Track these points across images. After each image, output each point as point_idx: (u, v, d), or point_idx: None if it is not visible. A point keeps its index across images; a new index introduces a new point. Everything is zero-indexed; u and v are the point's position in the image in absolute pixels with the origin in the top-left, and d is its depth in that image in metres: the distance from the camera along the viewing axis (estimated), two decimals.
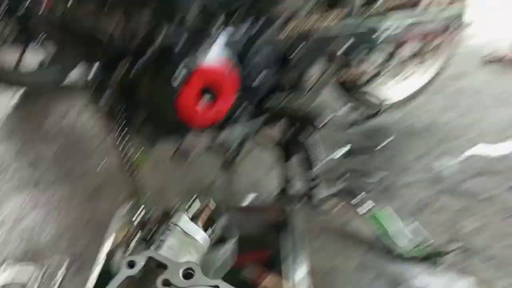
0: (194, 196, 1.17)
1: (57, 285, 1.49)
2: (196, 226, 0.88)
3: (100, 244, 1.50)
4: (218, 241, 1.28)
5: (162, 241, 0.91)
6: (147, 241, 1.21)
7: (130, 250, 1.12)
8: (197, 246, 0.87)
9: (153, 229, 1.17)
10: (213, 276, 0.86)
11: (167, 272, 0.69)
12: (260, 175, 1.92)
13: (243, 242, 1.36)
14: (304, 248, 1.46)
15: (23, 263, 1.57)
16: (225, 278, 1.34)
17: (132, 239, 1.22)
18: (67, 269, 1.54)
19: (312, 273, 1.43)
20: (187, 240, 0.85)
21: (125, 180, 1.39)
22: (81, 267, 1.54)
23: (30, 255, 1.61)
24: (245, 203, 1.66)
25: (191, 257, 0.83)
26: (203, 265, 0.89)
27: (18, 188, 1.90)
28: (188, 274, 0.70)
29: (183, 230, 0.86)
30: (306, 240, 1.50)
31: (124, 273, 0.73)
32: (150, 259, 0.77)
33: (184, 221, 0.87)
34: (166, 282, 0.68)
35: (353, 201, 1.69)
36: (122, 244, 1.24)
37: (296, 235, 1.52)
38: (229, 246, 1.27)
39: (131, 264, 0.77)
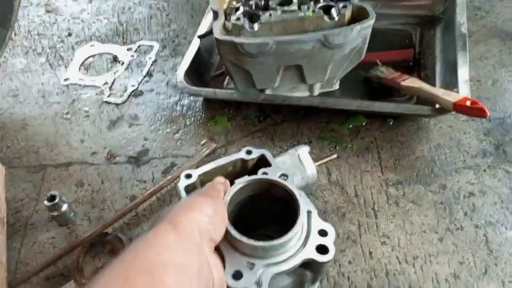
0: None
1: (149, 63, 1.27)
2: (312, 162, 0.80)
3: (197, 26, 1.24)
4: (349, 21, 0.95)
5: None
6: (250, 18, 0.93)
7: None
8: (304, 175, 0.79)
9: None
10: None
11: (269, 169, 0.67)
12: None
13: (382, 37, 1.01)
14: (464, 49, 1.06)
15: (112, 43, 1.35)
16: (351, 76, 1.04)
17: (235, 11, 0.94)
18: (159, 51, 1.29)
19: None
20: (299, 165, 0.79)
21: None
22: (175, 50, 1.30)
23: (119, 36, 1.38)
24: None
25: (295, 178, 0.76)
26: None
27: None
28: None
29: (299, 157, 0.80)
30: (466, 39, 1.08)
31: None
32: None
33: (304, 152, 0.81)
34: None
35: None
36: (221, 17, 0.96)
37: (456, 32, 1.11)
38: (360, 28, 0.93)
39: None
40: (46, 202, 0.87)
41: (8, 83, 1.26)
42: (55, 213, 0.88)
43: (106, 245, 0.79)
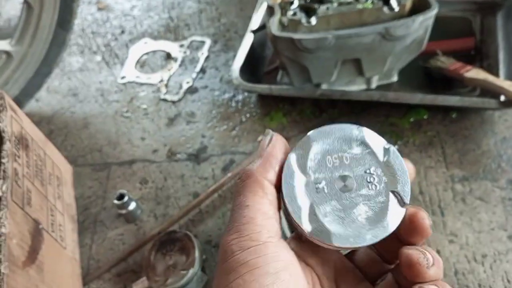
0: None
1: (202, 59, 1.28)
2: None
3: (247, 19, 1.24)
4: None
5: None
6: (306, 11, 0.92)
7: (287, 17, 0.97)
8: None
9: None
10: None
11: None
12: None
13: (439, 25, 0.98)
14: None
15: (164, 39, 1.37)
16: (409, 66, 1.02)
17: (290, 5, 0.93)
18: (210, 47, 1.30)
19: None
20: None
21: None
22: (226, 45, 1.30)
23: (171, 32, 1.39)
24: None
25: None
26: None
27: None
28: None
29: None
30: None
31: None
32: None
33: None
34: None
35: None
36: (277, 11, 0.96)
37: None
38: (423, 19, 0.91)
39: None
40: (115, 201, 0.91)
41: (67, 82, 1.30)
42: (124, 211, 0.91)
43: (176, 242, 0.82)
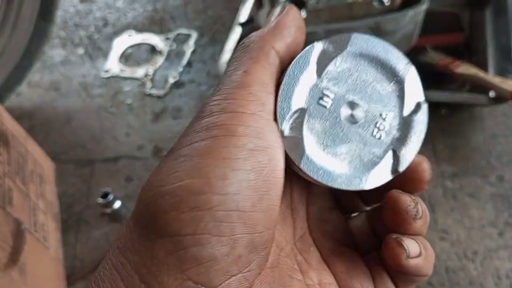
0: None
1: (188, 53, 1.25)
2: None
3: (234, 12, 1.22)
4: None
5: None
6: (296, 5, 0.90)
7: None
8: None
9: None
10: None
11: None
12: None
13: (428, 20, 0.97)
14: None
15: (149, 32, 1.34)
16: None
17: None
18: (197, 40, 1.27)
19: None
20: None
21: None
22: (213, 38, 1.28)
23: (156, 25, 1.36)
24: None
25: None
26: None
27: None
28: None
29: None
30: None
31: None
32: None
33: None
34: None
35: None
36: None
37: (509, 14, 1.06)
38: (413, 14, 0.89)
39: None
40: (99, 200, 0.88)
41: (49, 76, 1.26)
42: (109, 210, 0.89)
43: None
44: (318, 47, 0.29)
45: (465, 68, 0.99)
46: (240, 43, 0.29)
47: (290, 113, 0.28)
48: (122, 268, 0.24)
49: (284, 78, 0.28)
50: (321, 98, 0.29)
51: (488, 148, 0.93)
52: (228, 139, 0.24)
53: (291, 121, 0.28)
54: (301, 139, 0.28)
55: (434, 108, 1.00)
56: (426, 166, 0.29)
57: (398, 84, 0.30)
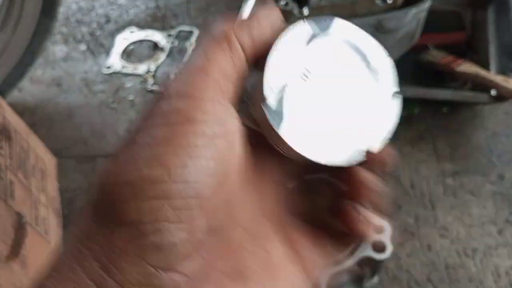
0: None
1: (190, 50, 1.25)
2: None
3: (236, 10, 1.22)
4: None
5: None
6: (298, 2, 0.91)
7: None
8: None
9: None
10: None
11: None
12: None
13: (429, 19, 0.97)
14: None
15: (151, 29, 1.34)
16: (399, 59, 1.01)
17: None
18: (199, 37, 1.28)
19: None
20: None
21: None
22: None
23: (158, 22, 1.36)
24: None
25: None
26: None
27: None
28: None
29: None
30: None
31: None
32: None
33: None
34: None
35: None
36: None
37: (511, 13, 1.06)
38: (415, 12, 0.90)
39: None
40: None
41: (51, 72, 1.27)
42: None
43: None
44: (303, 25, 0.29)
45: (466, 67, 0.99)
46: (210, 30, 0.28)
47: (274, 88, 0.28)
48: (81, 256, 0.24)
49: (270, 54, 0.28)
50: (304, 75, 0.29)
51: (489, 146, 0.93)
52: (187, 127, 0.24)
53: (274, 96, 0.28)
54: (285, 112, 0.28)
55: (436, 106, 1.01)
56: (392, 151, 0.29)
57: (374, 73, 0.30)
